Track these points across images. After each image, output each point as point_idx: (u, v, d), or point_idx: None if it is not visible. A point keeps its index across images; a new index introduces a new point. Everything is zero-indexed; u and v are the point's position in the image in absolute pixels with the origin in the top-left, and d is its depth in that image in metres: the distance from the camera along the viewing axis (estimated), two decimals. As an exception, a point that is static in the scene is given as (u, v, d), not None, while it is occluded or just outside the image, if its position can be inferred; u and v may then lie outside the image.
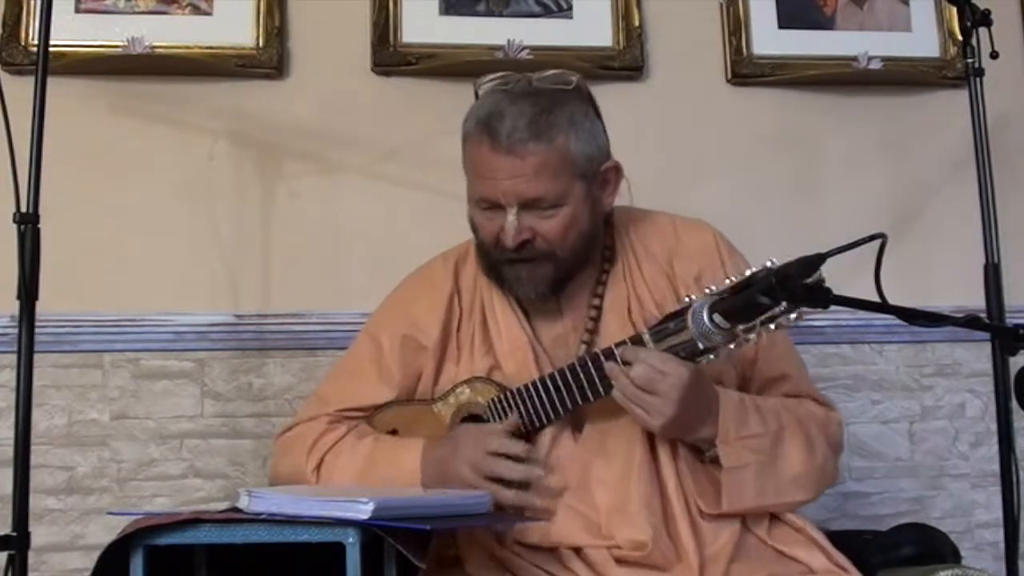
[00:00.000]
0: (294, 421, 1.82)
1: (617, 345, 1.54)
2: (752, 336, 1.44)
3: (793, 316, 1.40)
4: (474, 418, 1.67)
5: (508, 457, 1.56)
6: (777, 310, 1.40)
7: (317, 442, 1.70)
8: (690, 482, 1.58)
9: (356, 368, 1.78)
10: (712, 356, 1.49)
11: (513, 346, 1.67)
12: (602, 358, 1.54)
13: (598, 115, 1.68)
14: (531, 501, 1.56)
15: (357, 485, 1.63)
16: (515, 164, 1.56)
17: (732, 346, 1.46)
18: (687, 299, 1.50)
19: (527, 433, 1.61)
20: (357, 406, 1.74)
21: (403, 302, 1.80)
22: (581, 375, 1.56)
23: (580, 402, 1.57)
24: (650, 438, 1.58)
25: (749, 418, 1.58)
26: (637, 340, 1.53)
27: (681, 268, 1.69)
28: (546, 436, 1.61)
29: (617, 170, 1.68)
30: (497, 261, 1.66)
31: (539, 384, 1.59)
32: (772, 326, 1.42)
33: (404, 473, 1.61)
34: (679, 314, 1.49)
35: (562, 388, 1.57)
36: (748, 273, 1.42)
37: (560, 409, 1.59)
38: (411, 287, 1.82)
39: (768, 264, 1.41)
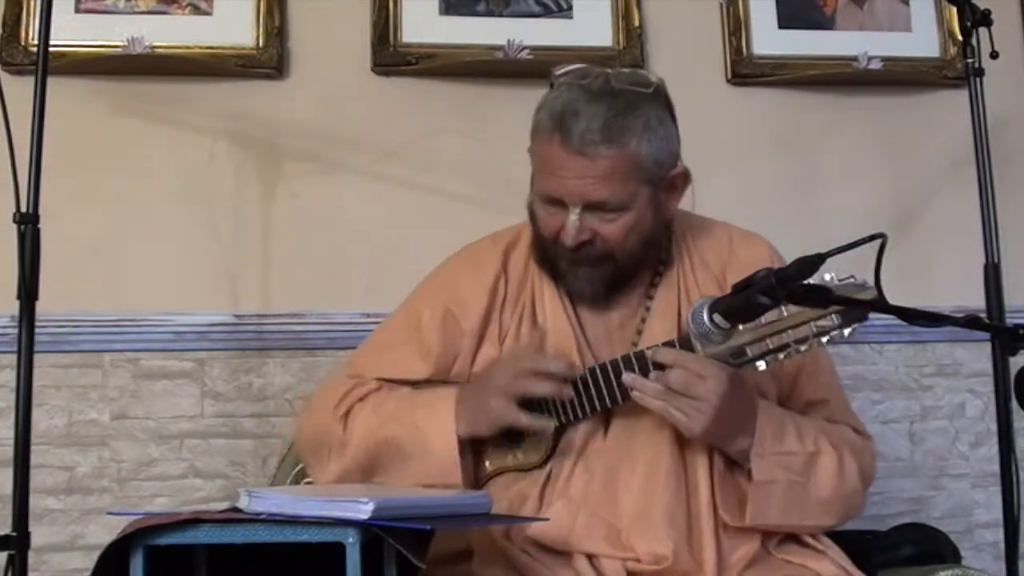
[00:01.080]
0: (323, 384, 1.77)
1: (657, 346, 1.52)
2: (804, 347, 1.43)
3: (848, 332, 1.39)
4: None
5: (541, 374, 1.54)
6: (828, 323, 1.39)
7: (347, 395, 1.67)
8: (720, 494, 1.55)
9: (393, 339, 1.74)
10: (759, 364, 1.47)
11: (558, 336, 1.64)
12: (633, 361, 1.53)
13: (674, 119, 1.63)
14: (565, 392, 1.53)
15: (380, 430, 1.60)
16: (585, 165, 1.53)
17: (782, 356, 1.45)
18: None
19: (560, 426, 1.59)
20: (391, 377, 1.69)
21: (448, 279, 1.74)
22: (612, 376, 1.54)
23: (610, 404, 1.55)
24: (680, 445, 1.56)
25: (787, 434, 1.55)
26: (685, 343, 1.51)
27: (732, 278, 1.65)
28: (575, 438, 1.59)
29: (685, 176, 1.65)
30: (555, 256, 1.63)
31: (576, 380, 1.57)
32: (825, 339, 1.41)
33: (439, 415, 1.58)
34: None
35: (593, 387, 1.55)
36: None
37: (589, 408, 1.56)
38: (457, 265, 1.76)
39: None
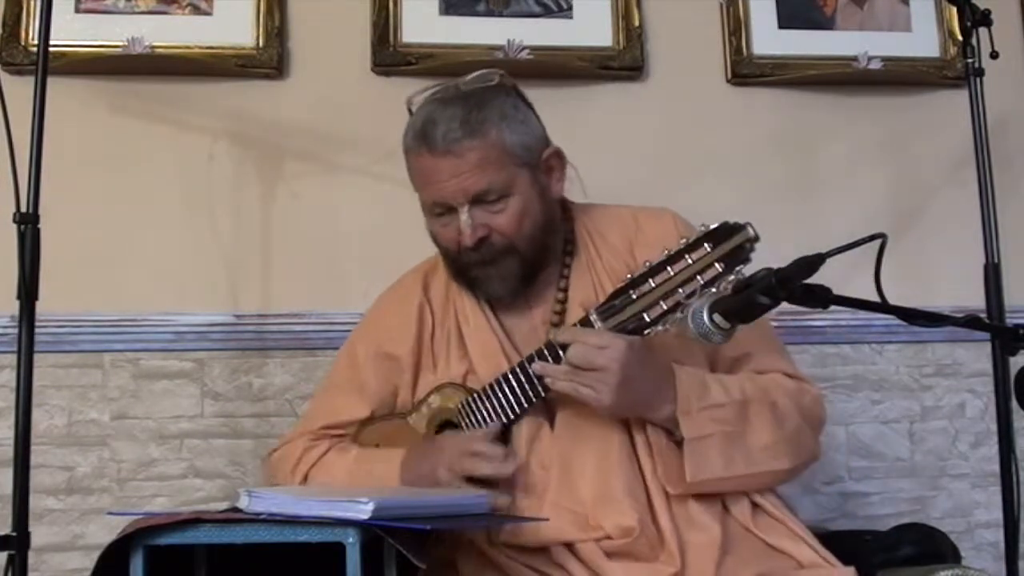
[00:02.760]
0: (281, 442, 1.86)
1: (558, 329, 1.58)
2: (695, 301, 1.44)
3: (732, 277, 1.41)
4: (448, 424, 1.69)
5: (483, 457, 1.58)
6: (713, 272, 1.42)
7: (300, 460, 1.75)
8: (660, 464, 1.58)
9: (334, 384, 1.85)
10: (660, 327, 1.49)
11: (485, 348, 1.69)
12: (545, 351, 1.57)
13: (528, 105, 1.71)
14: (498, 500, 1.56)
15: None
16: (455, 163, 1.61)
17: (679, 314, 1.47)
18: (627, 276, 1.51)
19: (505, 429, 1.63)
20: (336, 422, 1.79)
21: (375, 317, 1.84)
22: (526, 374, 1.59)
23: (542, 393, 1.59)
24: (625, 422, 1.60)
25: (710, 389, 1.58)
26: (586, 322, 1.55)
27: (642, 255, 1.67)
28: (523, 434, 1.62)
29: (559, 155, 1.71)
30: (464, 265, 1.69)
31: (501, 381, 1.62)
32: (712, 289, 1.43)
33: (385, 483, 1.64)
34: (623, 291, 1.51)
35: (521, 381, 1.60)
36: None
37: (523, 403, 1.60)
38: (382, 302, 1.86)
39: None
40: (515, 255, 1.66)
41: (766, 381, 1.65)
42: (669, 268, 1.47)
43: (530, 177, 1.66)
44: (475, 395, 1.64)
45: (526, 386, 1.60)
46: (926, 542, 1.89)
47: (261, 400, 2.27)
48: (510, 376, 1.61)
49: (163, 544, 1.30)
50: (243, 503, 1.35)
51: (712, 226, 1.44)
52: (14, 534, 1.53)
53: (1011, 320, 1.96)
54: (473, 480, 1.57)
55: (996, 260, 2.01)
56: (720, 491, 1.59)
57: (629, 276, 1.51)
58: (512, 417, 1.61)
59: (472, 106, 1.63)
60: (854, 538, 1.89)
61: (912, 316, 1.30)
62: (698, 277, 1.45)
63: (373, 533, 1.27)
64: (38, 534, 2.00)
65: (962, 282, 2.22)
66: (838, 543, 1.62)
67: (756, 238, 1.42)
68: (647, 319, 1.50)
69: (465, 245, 1.64)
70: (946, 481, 2.42)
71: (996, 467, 2.00)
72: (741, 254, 1.42)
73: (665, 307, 1.48)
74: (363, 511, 1.26)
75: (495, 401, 1.62)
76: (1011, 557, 1.92)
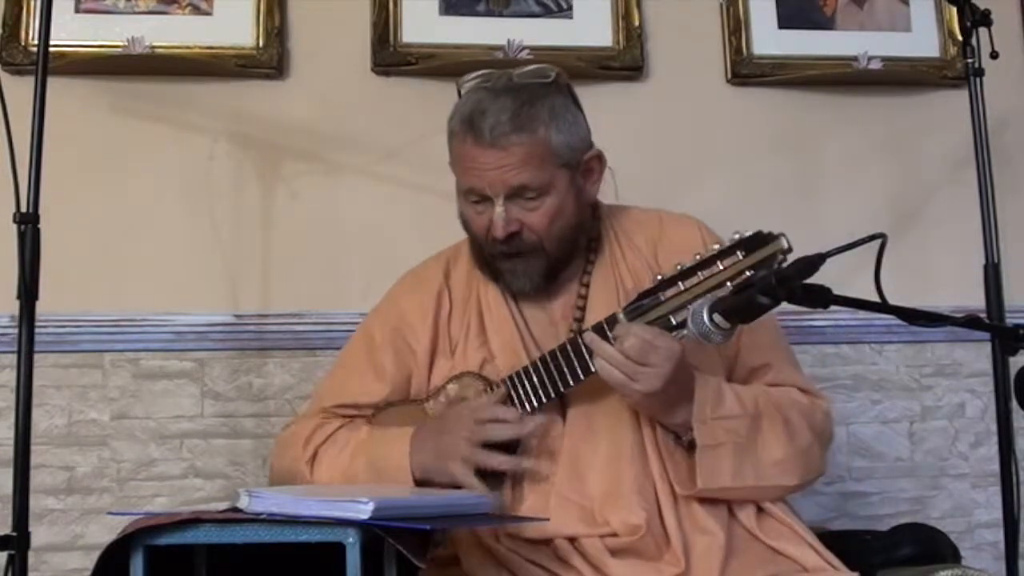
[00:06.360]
0: (291, 420, 1.85)
1: (596, 326, 1.57)
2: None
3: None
4: None
5: (496, 421, 1.59)
6: (743, 281, 1.42)
7: (311, 437, 1.72)
8: (670, 464, 1.59)
9: (349, 364, 1.81)
10: (684, 332, 1.50)
11: (504, 338, 1.70)
12: (580, 341, 1.57)
13: (578, 106, 1.71)
14: (520, 464, 1.58)
15: (346, 473, 1.65)
16: (500, 156, 1.60)
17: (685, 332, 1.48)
18: (658, 277, 1.52)
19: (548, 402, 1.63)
20: (350, 402, 1.76)
21: (393, 300, 1.83)
22: (562, 358, 1.59)
23: (564, 388, 1.60)
24: (637, 421, 1.61)
25: (725, 400, 1.59)
26: (612, 320, 1.56)
27: (664, 258, 1.70)
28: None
29: (600, 159, 1.71)
30: (491, 255, 1.69)
31: (523, 372, 1.62)
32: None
33: (395, 459, 1.62)
34: (651, 292, 1.52)
35: (546, 374, 1.60)
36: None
37: (544, 396, 1.61)
38: (401, 285, 1.85)
39: None
40: (542, 253, 1.66)
41: (781, 396, 1.66)
42: (699, 273, 1.48)
43: (569, 178, 1.66)
44: (495, 386, 1.64)
45: (548, 378, 1.59)
46: (926, 542, 1.89)
47: (261, 400, 2.27)
48: (531, 368, 1.61)
49: (163, 544, 1.30)
50: (243, 503, 1.35)
51: (747, 234, 1.45)
52: (14, 534, 1.53)
53: (1011, 320, 1.95)
54: (485, 476, 1.57)
55: (996, 260, 2.01)
56: (727, 499, 1.59)
57: (660, 277, 1.52)
58: (541, 402, 1.61)
59: (524, 101, 1.62)
60: (854, 538, 1.88)
61: (912, 316, 1.30)
62: (728, 284, 1.45)
63: (373, 533, 1.27)
64: (38, 534, 2.01)
65: (962, 282, 2.22)
66: (838, 543, 1.62)
67: (789, 249, 1.43)
68: (673, 321, 1.51)
69: (495, 237, 1.64)
70: (946, 481, 2.42)
71: (996, 467, 1.99)
72: (772, 264, 1.43)
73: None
74: (363, 511, 1.26)
75: (518, 392, 1.62)
76: (1011, 557, 1.92)
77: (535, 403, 1.62)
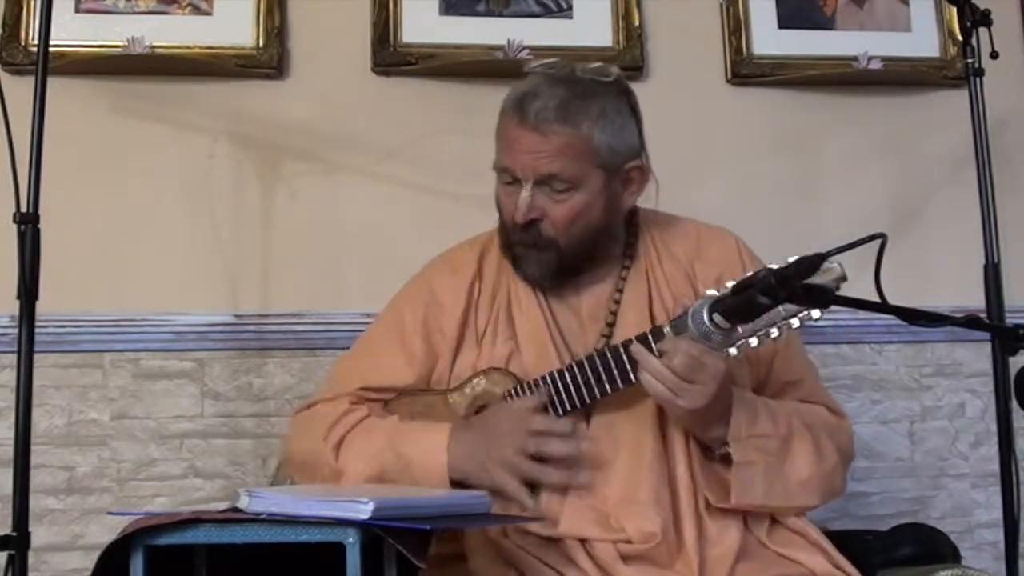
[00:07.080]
0: (313, 399, 1.80)
1: (641, 337, 1.55)
2: (775, 332, 1.46)
3: (816, 315, 1.42)
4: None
5: (552, 435, 1.57)
6: (797, 308, 1.42)
7: (337, 422, 1.68)
8: (700, 476, 1.59)
9: (378, 345, 1.77)
10: (733, 351, 1.49)
11: (533, 334, 1.68)
12: (630, 346, 1.55)
13: (635, 114, 1.69)
14: (576, 479, 1.57)
15: (372, 464, 1.62)
16: (538, 140, 1.60)
17: (754, 343, 1.48)
18: (706, 294, 1.52)
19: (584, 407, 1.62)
20: (378, 385, 1.73)
21: (425, 283, 1.79)
22: (601, 366, 1.57)
23: (600, 395, 1.58)
24: (662, 431, 1.60)
25: (760, 418, 1.59)
26: (658, 333, 1.54)
27: (702, 271, 1.71)
28: None
29: (642, 171, 1.69)
30: (512, 241, 1.68)
31: (557, 375, 1.60)
32: (795, 323, 1.44)
33: (430, 454, 1.59)
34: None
35: (582, 379, 1.58)
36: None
37: (579, 401, 1.59)
38: (434, 269, 1.82)
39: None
40: (555, 250, 1.65)
41: (812, 416, 1.66)
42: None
43: (604, 180, 1.64)
44: (525, 385, 1.62)
45: (583, 384, 1.58)
46: (926, 542, 1.89)
47: (261, 400, 2.27)
48: (567, 372, 1.59)
49: (163, 544, 1.30)
50: (243, 503, 1.34)
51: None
52: (14, 534, 1.53)
53: (1011, 320, 1.95)
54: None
55: (996, 260, 2.01)
56: (750, 511, 1.59)
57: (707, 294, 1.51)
58: (575, 406, 1.59)
59: (577, 94, 1.62)
60: (854, 538, 1.88)
61: (912, 316, 1.30)
62: (781, 308, 1.44)
63: (373, 533, 1.27)
64: (38, 534, 2.01)
65: (962, 282, 2.22)
66: (838, 543, 1.62)
67: (844, 277, 1.42)
68: (721, 342, 1.49)
69: (516, 220, 1.64)
70: (946, 481, 2.42)
71: (996, 467, 2.00)
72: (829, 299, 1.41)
73: (741, 332, 1.48)
74: (363, 511, 1.26)
75: (550, 394, 1.60)
76: (1011, 557, 1.92)
77: (567, 407, 1.60)
